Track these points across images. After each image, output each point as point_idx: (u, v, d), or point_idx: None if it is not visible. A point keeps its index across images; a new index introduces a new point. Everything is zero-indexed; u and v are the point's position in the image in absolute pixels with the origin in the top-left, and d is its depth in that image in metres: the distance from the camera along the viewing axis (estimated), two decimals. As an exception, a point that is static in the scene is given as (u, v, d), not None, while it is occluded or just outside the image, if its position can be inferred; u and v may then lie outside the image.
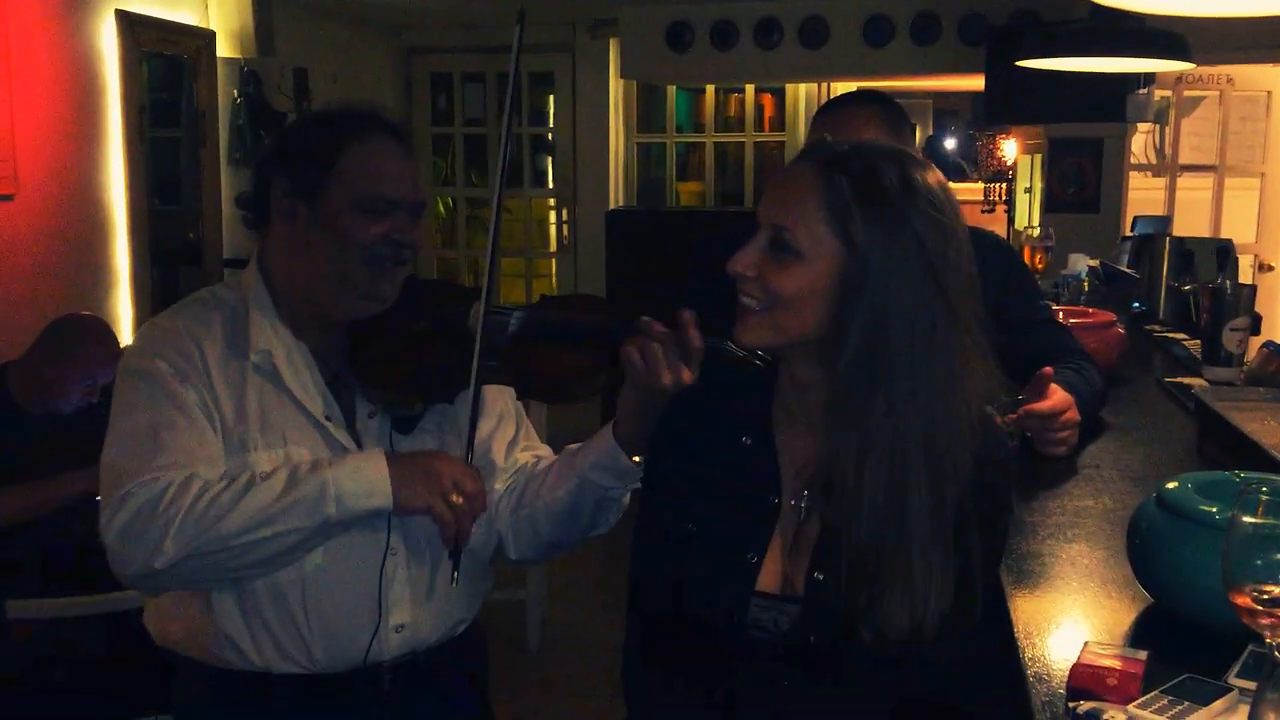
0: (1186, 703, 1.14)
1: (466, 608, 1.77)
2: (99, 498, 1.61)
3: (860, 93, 2.24)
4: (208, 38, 5.09)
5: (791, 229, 1.29)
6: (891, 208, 1.27)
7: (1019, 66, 3.49)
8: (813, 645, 1.32)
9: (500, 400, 1.80)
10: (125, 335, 4.51)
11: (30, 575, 2.67)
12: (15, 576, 2.63)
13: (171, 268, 5.07)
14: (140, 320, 4.61)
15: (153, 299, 4.73)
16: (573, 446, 1.74)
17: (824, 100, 6.25)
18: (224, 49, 5.19)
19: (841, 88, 6.62)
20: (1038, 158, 6.47)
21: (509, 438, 1.81)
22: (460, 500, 1.57)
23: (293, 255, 1.66)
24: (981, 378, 1.31)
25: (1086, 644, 1.26)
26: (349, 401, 1.70)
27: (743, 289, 1.33)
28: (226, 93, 5.30)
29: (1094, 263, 3.57)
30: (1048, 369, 2.02)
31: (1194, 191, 6.84)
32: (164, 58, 4.95)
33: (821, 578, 1.32)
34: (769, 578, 1.36)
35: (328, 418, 1.66)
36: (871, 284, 1.26)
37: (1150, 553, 1.40)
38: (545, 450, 1.85)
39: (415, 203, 1.67)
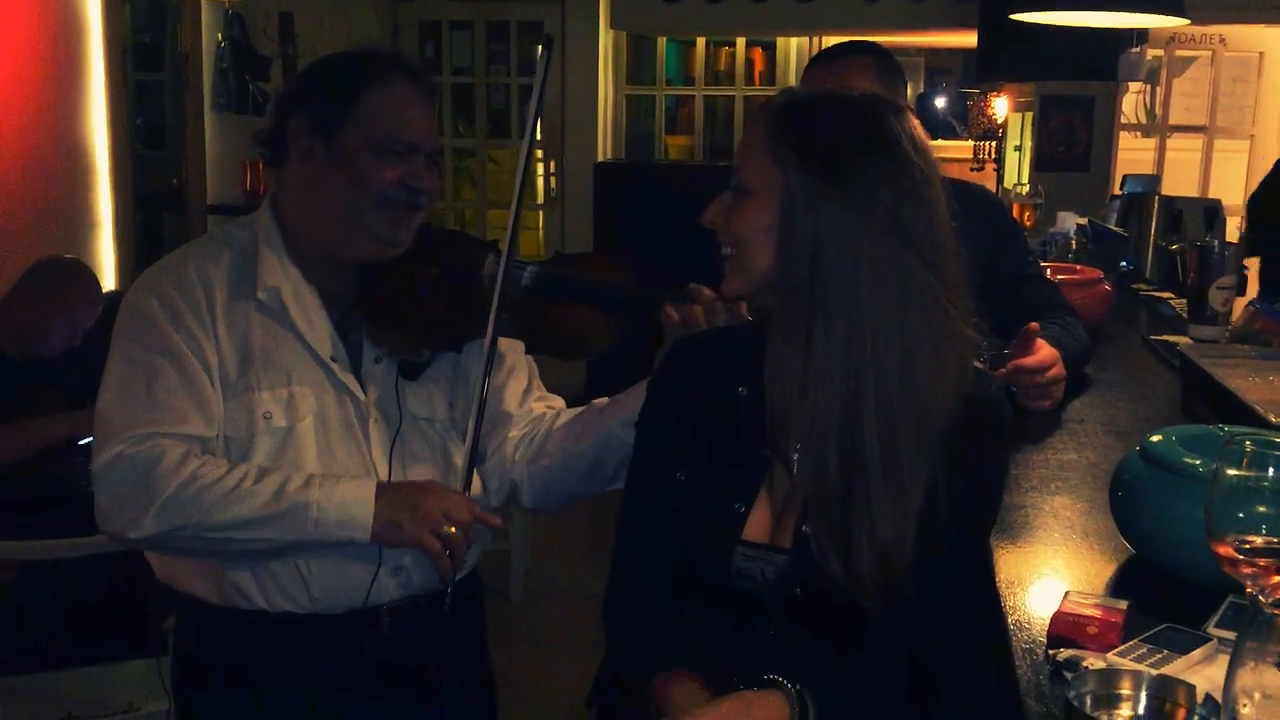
0: (1165, 651, 1.15)
1: (470, 554, 1.77)
2: (82, 441, 1.61)
3: (851, 43, 2.21)
4: (192, -20, 5.01)
5: (742, 169, 1.33)
6: (834, 145, 1.29)
7: (1012, 21, 3.46)
8: (799, 597, 1.33)
9: (511, 352, 1.80)
10: (108, 281, 4.47)
11: (13, 517, 2.66)
12: (-2, 519, 2.62)
13: (154, 213, 5.02)
14: (123, 265, 4.58)
15: (135, 245, 4.70)
16: (599, 401, 1.75)
17: (820, 50, 6.20)
18: (208, -8, 5.12)
19: (833, 42, 6.57)
20: (1029, 116, 6.44)
21: (522, 387, 1.81)
22: (452, 531, 1.58)
23: (307, 194, 1.65)
24: (957, 321, 1.30)
25: (1068, 594, 1.27)
26: (356, 344, 1.69)
27: (720, 240, 1.36)
28: (211, 36, 5.22)
29: (1082, 221, 3.57)
30: (1034, 324, 2.02)
31: (1183, 152, 6.83)
32: (147, 0, 4.88)
33: (809, 530, 1.32)
34: (758, 528, 1.36)
35: (333, 359, 1.65)
36: (805, 217, 1.28)
37: (1133, 504, 1.41)
38: (558, 401, 1.85)
39: (432, 148, 1.66)
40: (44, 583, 2.64)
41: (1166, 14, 3.09)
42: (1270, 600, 0.97)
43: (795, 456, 1.34)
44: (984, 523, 1.41)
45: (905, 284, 1.27)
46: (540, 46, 1.74)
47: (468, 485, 1.65)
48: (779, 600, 1.34)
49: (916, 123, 1.34)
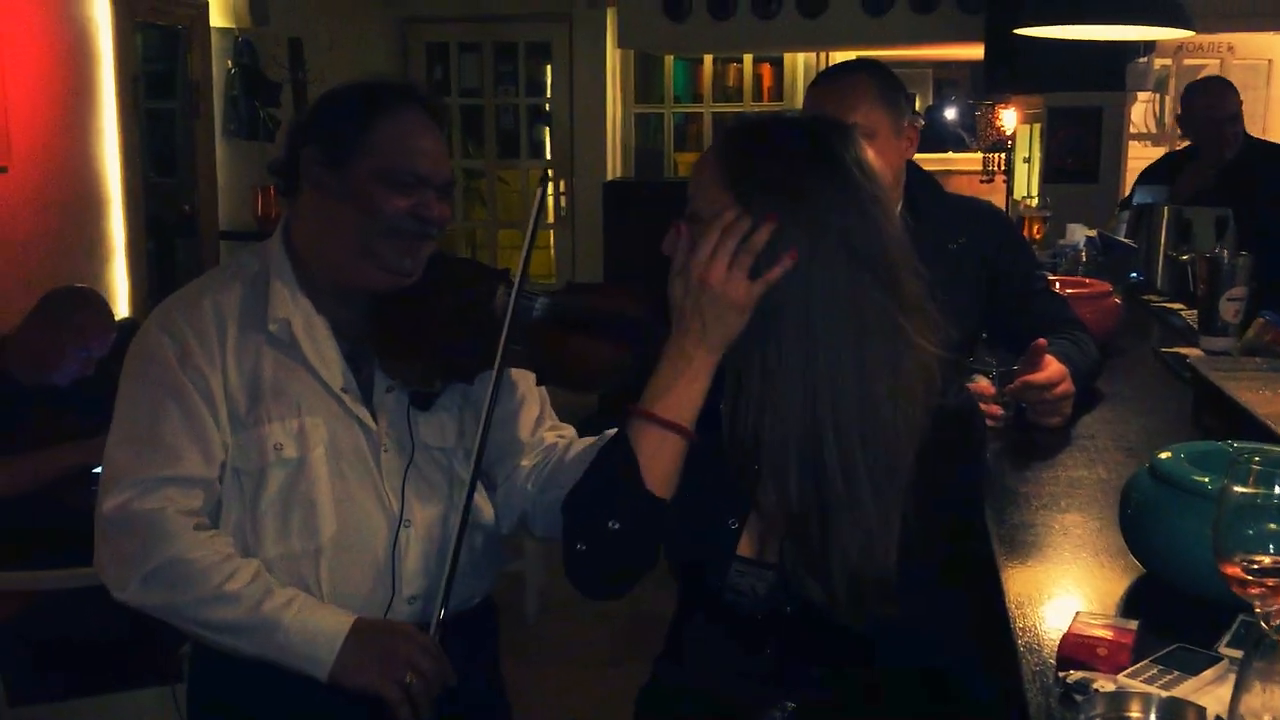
0: (1176, 672, 1.14)
1: (481, 582, 1.78)
2: (96, 470, 1.63)
3: (854, 62, 2.23)
4: (201, 7, 5.06)
5: (695, 196, 1.36)
6: (777, 171, 1.31)
7: (1018, 35, 3.47)
8: (788, 614, 1.34)
9: (522, 382, 1.80)
10: (121, 308, 4.50)
11: (27, 546, 2.67)
12: (5, 549, 2.63)
13: (167, 240, 5.06)
14: (136, 292, 4.61)
15: (148, 271, 4.73)
16: (611, 433, 1.74)
17: (823, 70, 6.21)
18: (218, 19, 5.16)
19: (840, 57, 6.58)
20: (1037, 127, 6.44)
21: (534, 416, 1.82)
22: (414, 680, 1.58)
23: (318, 224, 1.66)
24: (916, 339, 1.31)
25: (1078, 614, 1.26)
26: (368, 375, 1.69)
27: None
28: (221, 63, 5.27)
29: (1092, 233, 3.55)
30: (1042, 340, 2.02)
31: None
32: (158, 28, 4.93)
33: (786, 550, 1.33)
34: (749, 543, 1.37)
35: (344, 389, 1.66)
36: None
37: (1142, 523, 1.40)
38: (570, 430, 1.86)
39: (444, 179, 1.67)
40: (59, 611, 2.64)
41: (1172, 26, 3.08)
42: (1277, 622, 0.97)
43: (764, 478, 1.35)
44: (963, 530, 1.41)
45: (858, 305, 1.29)
46: (540, 181, 1.78)
47: (466, 517, 1.65)
48: (771, 616, 1.34)
49: (867, 145, 1.36)
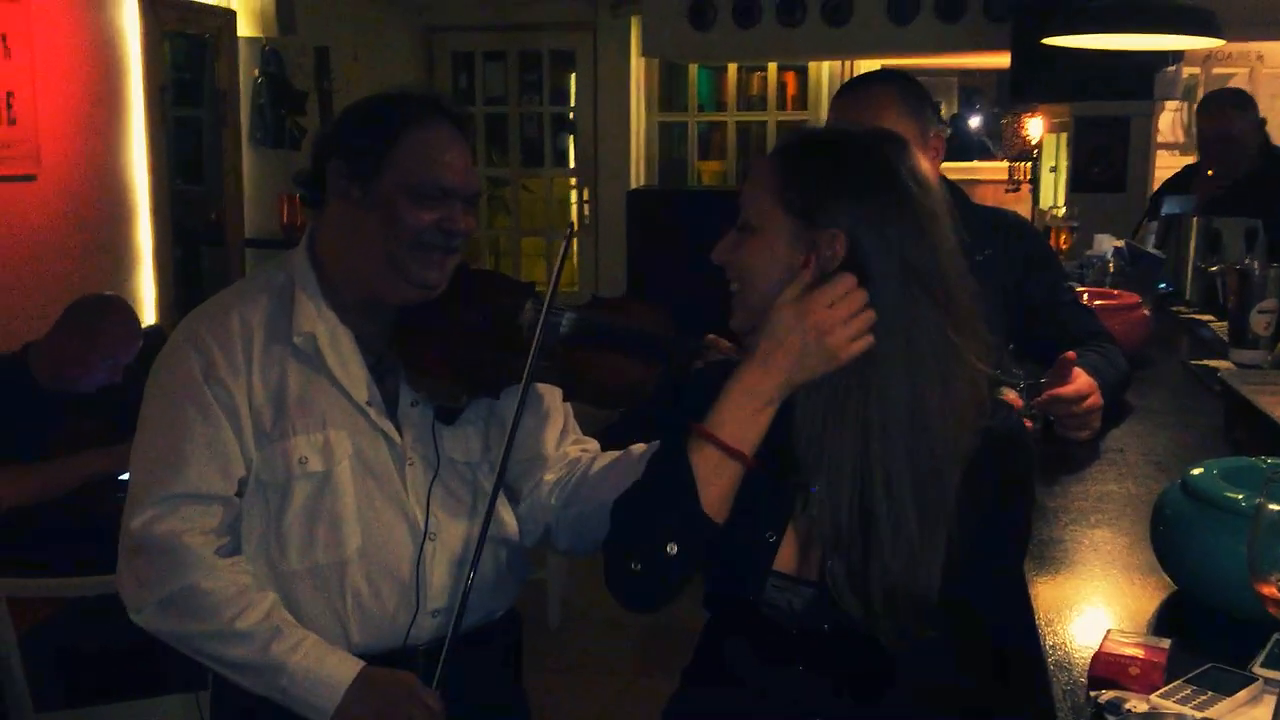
0: (1210, 692, 1.13)
1: (504, 595, 1.78)
2: (122, 476, 1.64)
3: (878, 73, 2.22)
4: (228, 17, 5.09)
5: (747, 208, 1.36)
6: (833, 186, 1.30)
7: (1046, 44, 3.45)
8: (825, 633, 1.32)
9: (548, 396, 1.80)
10: (148, 315, 4.53)
11: (54, 553, 2.69)
12: (33, 556, 2.64)
13: (194, 248, 5.09)
14: (162, 300, 4.64)
15: (175, 279, 4.76)
16: (637, 448, 1.74)
17: (847, 78, 6.20)
18: (245, 28, 5.19)
19: (865, 66, 6.57)
20: (1063, 136, 6.39)
21: (558, 430, 1.82)
22: None
23: (344, 237, 1.66)
24: (968, 356, 1.30)
25: (1109, 632, 1.25)
26: (393, 388, 1.69)
27: (728, 276, 1.39)
28: (248, 72, 5.30)
29: (1119, 243, 3.52)
30: (1070, 353, 2.00)
31: (1223, 171, 6.74)
32: (185, 37, 4.96)
33: (830, 567, 1.32)
34: (786, 559, 1.36)
35: (369, 403, 1.66)
36: (811, 254, 1.30)
37: (1174, 539, 1.38)
38: (594, 444, 1.86)
39: (470, 191, 1.67)
40: (85, 617, 2.65)
41: (1202, 35, 3.06)
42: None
43: (815, 494, 1.34)
44: (1013, 556, 1.39)
45: (912, 322, 1.28)
46: (565, 236, 1.84)
47: (484, 531, 1.65)
48: (808, 634, 1.33)
49: (921, 157, 1.36)
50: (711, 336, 1.67)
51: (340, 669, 1.59)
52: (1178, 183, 4.33)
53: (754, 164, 1.42)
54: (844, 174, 1.31)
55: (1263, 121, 4.25)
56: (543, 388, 1.76)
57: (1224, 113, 4.13)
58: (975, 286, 1.33)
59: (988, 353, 1.32)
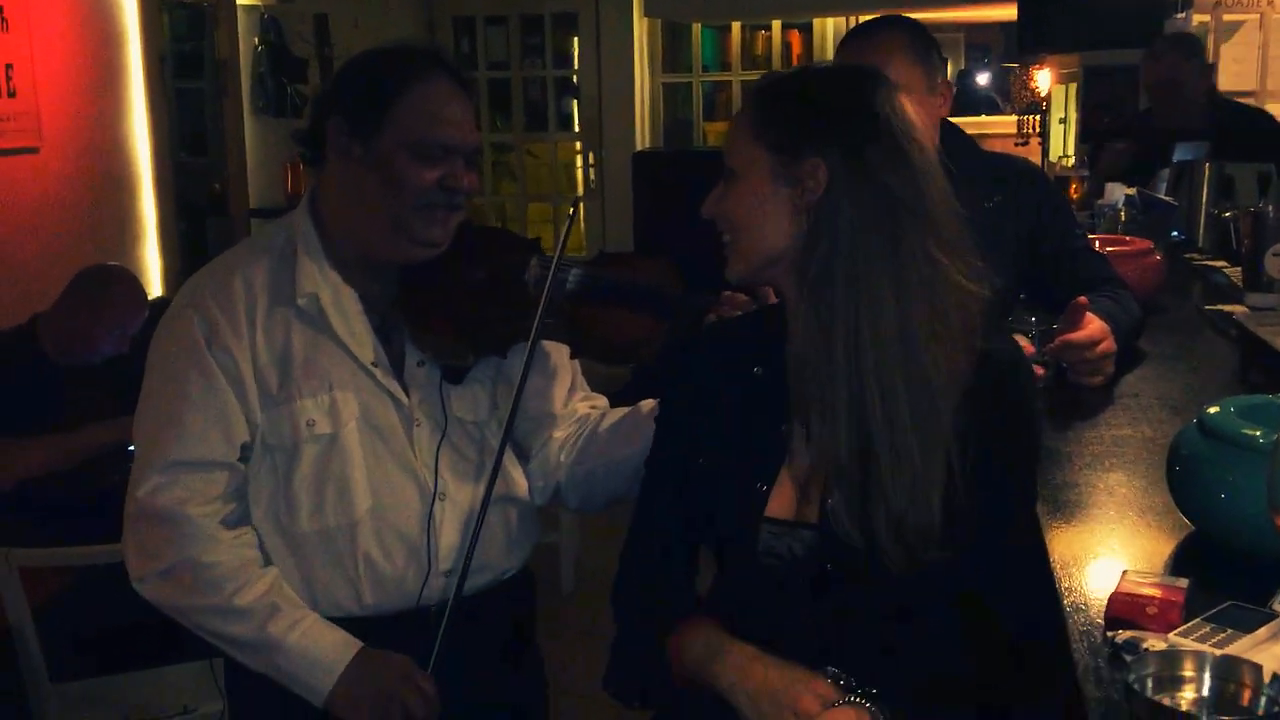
0: (1229, 630, 1.11)
1: (515, 555, 1.77)
2: (130, 447, 1.64)
3: (884, 19, 2.17)
4: (227, -15, 5.05)
5: (729, 154, 1.36)
6: (808, 116, 1.31)
7: (1052, -10, 3.40)
8: (829, 573, 1.31)
9: (555, 353, 1.79)
10: (154, 287, 4.52)
11: (67, 523, 2.69)
12: (45, 526, 2.65)
13: (198, 219, 5.08)
14: (168, 270, 4.63)
15: (180, 250, 4.75)
16: (646, 404, 1.73)
17: (853, 27, 6.13)
18: (244, -4, 5.16)
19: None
20: (1073, 87, 6.33)
21: (566, 387, 1.81)
22: None
23: (345, 196, 1.64)
24: (956, 276, 1.29)
25: (1125, 573, 1.23)
26: (398, 348, 1.68)
27: (720, 228, 1.38)
28: (248, 41, 5.27)
29: (1131, 191, 3.48)
30: (1082, 299, 1.97)
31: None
32: (184, 6, 4.93)
33: (831, 504, 1.31)
34: (782, 506, 1.35)
35: (375, 364, 1.64)
36: (789, 190, 1.30)
37: (1191, 478, 1.37)
38: (602, 400, 1.85)
39: (472, 147, 1.65)
40: (99, 587, 2.66)
41: (1211, -25, 3.00)
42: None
43: (815, 430, 1.33)
44: (1021, 482, 1.38)
45: (896, 243, 1.27)
46: (570, 207, 1.79)
47: (489, 490, 1.64)
48: (809, 577, 1.32)
49: (901, 91, 1.34)
50: (728, 293, 1.65)
51: (336, 650, 1.59)
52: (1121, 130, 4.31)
53: (735, 114, 1.41)
54: (818, 103, 1.32)
55: (1211, 68, 4.19)
56: (550, 345, 1.75)
57: (1171, 59, 4.06)
58: (963, 212, 1.32)
59: (978, 274, 1.31)
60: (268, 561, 1.63)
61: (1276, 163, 3.61)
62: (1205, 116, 4.05)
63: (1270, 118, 4.36)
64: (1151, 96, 4.13)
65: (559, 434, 1.78)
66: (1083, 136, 5.71)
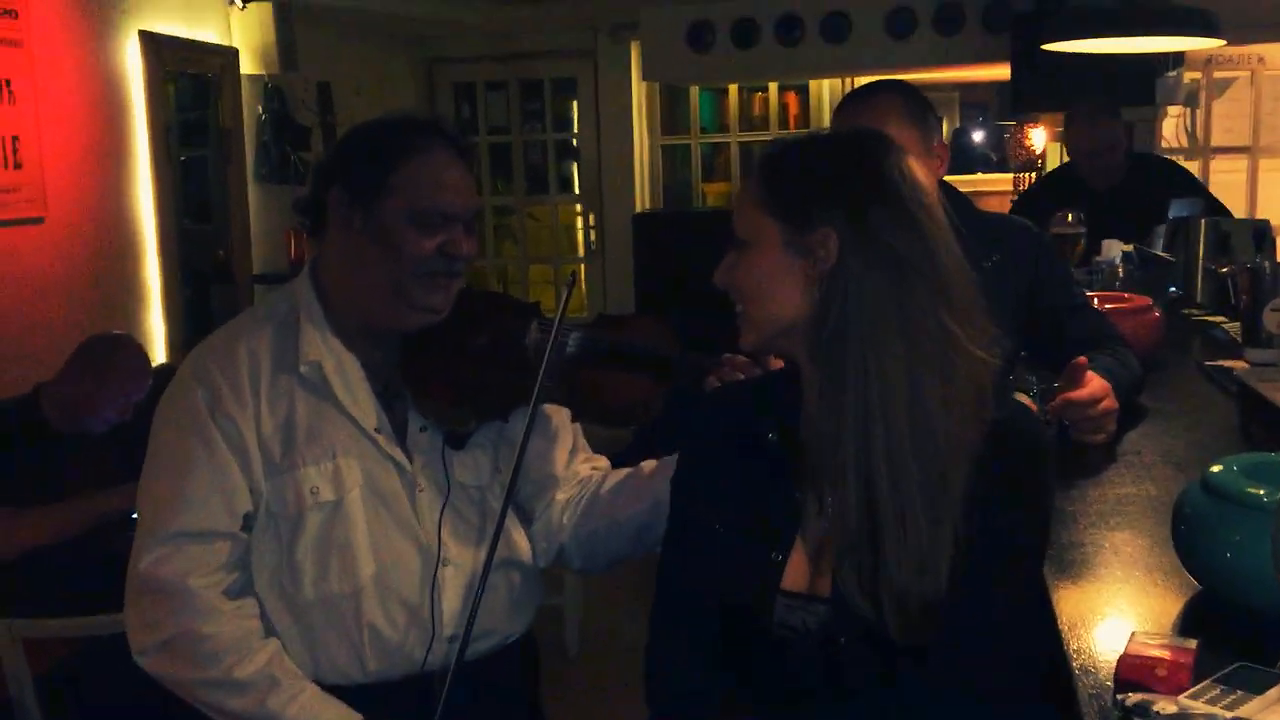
0: (1239, 691, 1.11)
1: (519, 619, 1.77)
2: (134, 515, 1.64)
3: (879, 83, 2.21)
4: (231, 55, 5.12)
5: (738, 224, 1.36)
6: (815, 184, 1.30)
7: (1045, 52, 3.45)
8: (843, 647, 1.30)
9: (556, 415, 1.80)
10: (158, 355, 4.54)
11: (69, 593, 2.68)
12: (49, 598, 2.63)
13: (202, 286, 5.10)
14: (172, 339, 4.65)
15: (184, 318, 4.76)
16: (647, 464, 1.74)
17: (849, 91, 6.20)
18: (248, 66, 5.22)
19: (865, 82, 6.57)
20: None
21: (568, 449, 1.81)
22: None
23: (347, 265, 1.66)
24: (967, 345, 1.28)
25: (1134, 634, 1.23)
26: (401, 414, 1.69)
27: (732, 298, 1.38)
28: (251, 109, 5.33)
29: (1128, 248, 3.51)
30: (1082, 358, 1.98)
31: (1228, 174, 6.73)
32: (189, 76, 4.99)
33: (840, 575, 1.30)
34: (796, 577, 1.34)
35: (378, 430, 1.65)
36: (799, 259, 1.30)
37: (1196, 538, 1.37)
38: (604, 462, 1.85)
39: (471, 214, 1.67)
40: (104, 656, 2.64)
41: (1202, 35, 3.06)
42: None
43: (828, 500, 1.32)
44: (1030, 550, 1.35)
45: (906, 311, 1.26)
46: (567, 279, 1.84)
47: (491, 554, 1.63)
48: (824, 651, 1.31)
49: (908, 155, 1.35)
50: (728, 355, 1.66)
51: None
52: (1036, 196, 4.39)
53: (742, 179, 1.42)
54: (825, 171, 1.32)
55: (1130, 126, 4.31)
56: (550, 408, 1.76)
57: (1103, 122, 4.15)
58: (975, 277, 1.32)
59: (990, 343, 1.30)
60: (270, 631, 1.62)
61: (1206, 203, 3.77)
62: (1132, 174, 4.19)
63: (1177, 165, 4.59)
64: (1088, 162, 4.21)
65: (562, 496, 1.78)
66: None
